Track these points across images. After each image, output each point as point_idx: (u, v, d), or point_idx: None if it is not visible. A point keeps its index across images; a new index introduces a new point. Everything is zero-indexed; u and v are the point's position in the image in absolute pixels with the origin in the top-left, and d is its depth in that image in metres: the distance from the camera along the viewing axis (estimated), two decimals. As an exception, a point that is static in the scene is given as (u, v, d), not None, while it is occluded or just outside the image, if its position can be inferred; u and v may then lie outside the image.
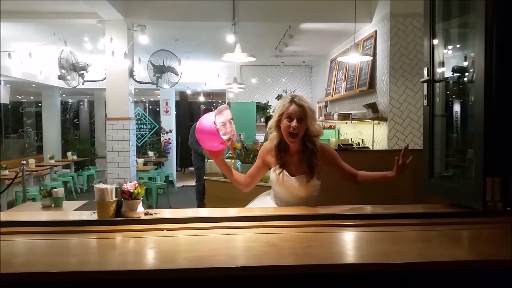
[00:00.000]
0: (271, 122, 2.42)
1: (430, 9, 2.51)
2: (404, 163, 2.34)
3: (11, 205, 7.10)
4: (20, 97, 14.07)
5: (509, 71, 2.06)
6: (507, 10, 2.05)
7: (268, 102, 10.39)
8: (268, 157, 2.47)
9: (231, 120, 2.31)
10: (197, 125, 2.32)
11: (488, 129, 2.05)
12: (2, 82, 9.07)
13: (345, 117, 6.53)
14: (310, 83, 10.97)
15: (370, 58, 5.73)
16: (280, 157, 2.40)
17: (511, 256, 1.57)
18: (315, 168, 2.38)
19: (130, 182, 2.03)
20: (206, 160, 6.38)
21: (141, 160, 8.48)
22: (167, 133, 11.60)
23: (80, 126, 15.37)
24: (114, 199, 1.98)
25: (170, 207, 7.42)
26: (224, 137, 2.23)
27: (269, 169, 2.50)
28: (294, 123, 2.31)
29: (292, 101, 2.36)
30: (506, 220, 2.01)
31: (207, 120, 2.28)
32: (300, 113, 2.32)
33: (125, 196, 1.98)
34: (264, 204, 2.53)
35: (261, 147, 2.57)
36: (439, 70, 2.54)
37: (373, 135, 5.97)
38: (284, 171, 2.38)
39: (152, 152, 10.26)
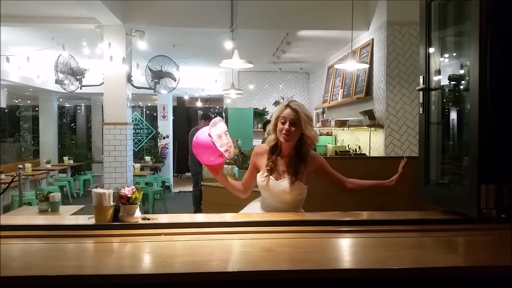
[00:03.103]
0: (270, 126, 2.50)
1: (425, 17, 2.54)
2: (403, 173, 2.55)
3: (6, 209, 7.07)
4: (17, 101, 14.05)
5: (504, 79, 2.09)
6: (501, 18, 2.08)
7: (265, 108, 10.42)
8: (258, 160, 2.52)
9: (226, 132, 2.34)
10: (193, 140, 2.32)
11: (482, 137, 2.07)
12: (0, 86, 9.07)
13: (342, 123, 6.56)
14: (307, 90, 11.01)
15: (367, 65, 5.77)
16: (272, 159, 2.44)
17: (511, 262, 1.59)
18: (300, 172, 2.41)
19: (127, 187, 2.04)
20: (203, 166, 6.38)
21: (138, 165, 8.46)
22: (164, 138, 11.59)
23: (77, 131, 15.34)
24: (112, 204, 1.99)
25: (167, 213, 7.41)
26: (221, 149, 2.24)
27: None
28: (286, 125, 2.38)
29: (287, 105, 2.43)
30: (501, 227, 2.03)
31: (203, 134, 2.29)
32: (294, 117, 2.38)
33: (122, 201, 1.99)
34: (253, 210, 2.55)
35: (252, 152, 2.60)
36: (435, 78, 2.57)
37: (370, 142, 5.99)
38: (270, 175, 2.42)
39: (149, 157, 10.24)
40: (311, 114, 2.49)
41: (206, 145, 2.25)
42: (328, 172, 2.53)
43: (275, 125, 2.44)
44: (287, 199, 2.42)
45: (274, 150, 2.46)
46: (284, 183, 2.39)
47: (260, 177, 2.45)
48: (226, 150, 2.27)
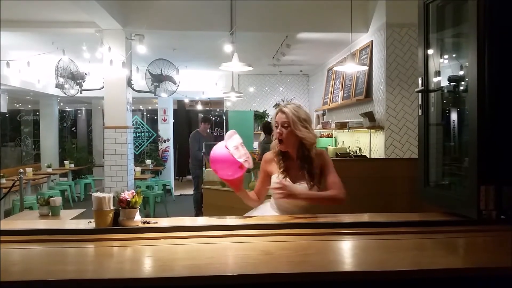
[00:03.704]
0: (274, 132, 2.52)
1: (423, 19, 2.54)
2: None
3: (8, 214, 7.09)
4: (18, 106, 14.07)
5: (503, 80, 2.09)
6: (499, 19, 2.09)
7: (265, 110, 10.43)
8: (268, 167, 2.54)
9: (242, 144, 2.34)
10: (210, 155, 2.33)
11: (482, 138, 2.07)
12: (0, 91, 9.09)
13: (342, 125, 6.56)
14: (307, 92, 11.02)
15: (367, 67, 5.78)
16: (282, 162, 2.46)
17: (511, 263, 1.59)
18: (315, 176, 2.42)
19: (127, 190, 2.04)
20: (204, 168, 6.40)
21: (138, 169, 8.47)
22: (165, 141, 11.61)
23: (78, 135, 15.35)
24: (112, 208, 2.00)
25: (168, 216, 7.40)
26: (240, 160, 2.25)
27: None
28: (278, 129, 2.42)
29: (280, 109, 2.47)
30: (500, 229, 2.03)
31: (219, 148, 2.31)
32: (284, 119, 2.41)
33: (122, 204, 1.99)
34: (263, 212, 2.55)
35: (262, 160, 2.62)
36: (434, 79, 2.57)
37: (370, 144, 6.00)
38: (287, 177, 2.43)
39: (150, 161, 10.25)
40: (308, 116, 2.47)
41: (224, 158, 2.27)
42: (326, 174, 2.46)
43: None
44: (302, 203, 2.43)
45: (280, 153, 2.48)
46: (300, 186, 2.40)
47: (277, 179, 2.45)
48: (245, 161, 2.28)
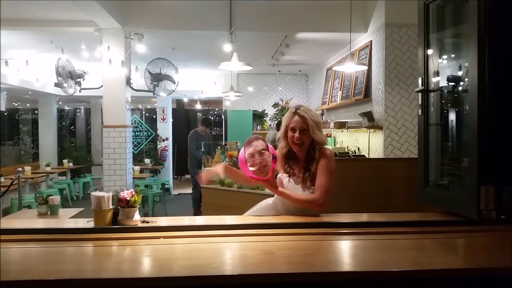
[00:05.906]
0: (279, 133, 2.49)
1: (423, 19, 2.54)
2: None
3: (6, 212, 7.05)
4: (16, 104, 14.05)
5: (503, 80, 2.09)
6: (500, 20, 2.09)
7: (264, 110, 10.42)
8: (277, 164, 2.50)
9: (262, 151, 2.30)
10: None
11: (481, 138, 2.07)
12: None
13: (341, 125, 6.56)
14: (306, 92, 11.01)
15: (366, 67, 5.78)
16: (287, 166, 2.45)
17: (511, 264, 1.59)
18: (312, 175, 2.39)
19: (126, 189, 2.04)
20: (202, 167, 6.39)
21: (137, 168, 8.44)
22: (163, 140, 11.59)
23: (77, 134, 15.35)
24: (111, 207, 1.99)
25: (166, 215, 7.39)
26: (251, 168, 2.27)
27: (276, 175, 2.53)
28: (297, 134, 2.37)
29: (295, 112, 2.42)
30: (500, 229, 2.03)
31: (241, 151, 2.37)
32: (302, 124, 2.37)
33: (121, 204, 1.99)
34: (263, 212, 2.53)
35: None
36: (433, 79, 2.57)
37: (369, 144, 5.99)
38: (290, 179, 2.41)
39: (149, 160, 10.23)
40: (319, 118, 2.45)
41: (241, 162, 2.32)
42: (317, 174, 2.36)
43: (285, 133, 2.44)
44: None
45: (289, 156, 2.46)
46: (303, 188, 2.37)
47: (280, 179, 2.45)
48: (259, 170, 2.27)
